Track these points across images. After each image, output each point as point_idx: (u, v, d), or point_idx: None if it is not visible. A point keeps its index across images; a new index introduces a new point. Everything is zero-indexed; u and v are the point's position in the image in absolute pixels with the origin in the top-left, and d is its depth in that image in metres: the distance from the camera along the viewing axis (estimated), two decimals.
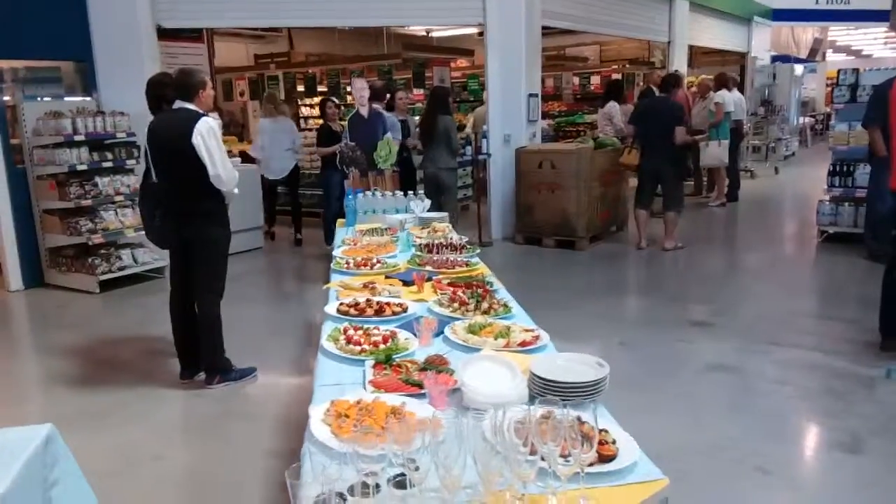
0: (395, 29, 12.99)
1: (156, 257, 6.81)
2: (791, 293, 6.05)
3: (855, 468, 3.21)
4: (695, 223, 9.01)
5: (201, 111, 3.91)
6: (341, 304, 2.75)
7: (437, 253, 3.60)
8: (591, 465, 1.50)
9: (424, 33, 14.21)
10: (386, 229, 4.32)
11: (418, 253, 3.64)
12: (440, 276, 3.19)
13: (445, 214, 4.80)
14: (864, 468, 3.20)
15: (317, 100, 14.24)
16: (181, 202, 3.94)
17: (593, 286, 6.48)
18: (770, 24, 16.64)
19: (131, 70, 6.70)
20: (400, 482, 1.40)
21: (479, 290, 2.80)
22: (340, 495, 1.35)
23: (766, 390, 4.06)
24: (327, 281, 3.30)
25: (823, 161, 7.94)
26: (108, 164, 6.65)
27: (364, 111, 6.44)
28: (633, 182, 8.98)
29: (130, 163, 6.83)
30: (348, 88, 12.06)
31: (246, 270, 7.25)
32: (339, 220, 4.94)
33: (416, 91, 12.66)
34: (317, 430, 1.70)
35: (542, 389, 1.85)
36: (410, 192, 4.85)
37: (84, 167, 6.47)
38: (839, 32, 22.20)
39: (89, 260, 6.50)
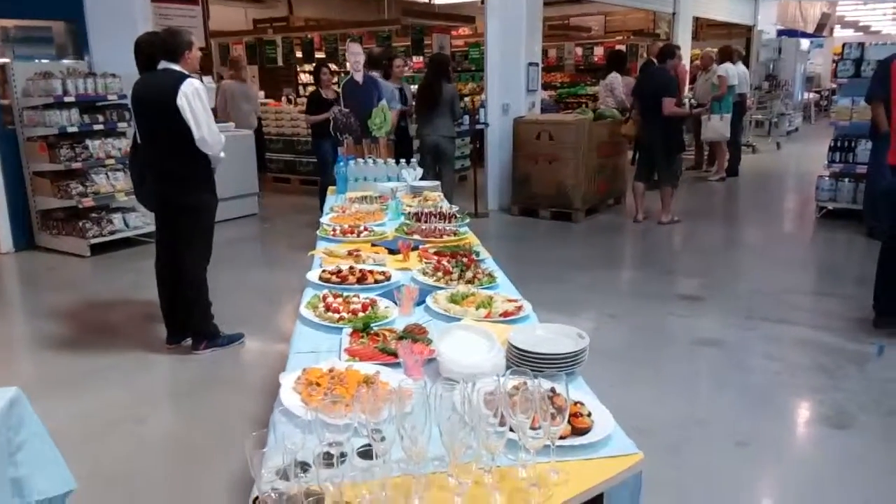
0: None
1: (147, 221, 6.74)
2: (786, 269, 6.01)
3: (841, 444, 3.19)
4: (693, 197, 8.95)
5: (186, 72, 3.82)
6: (323, 270, 2.71)
7: (426, 222, 3.55)
8: (563, 437, 1.47)
9: None
10: (377, 197, 4.25)
11: (407, 221, 3.58)
12: (427, 245, 3.14)
13: (437, 183, 4.73)
14: (851, 444, 3.18)
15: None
16: (166, 166, 3.87)
17: (587, 258, 6.44)
18: None
19: (123, 31, 6.52)
20: (366, 453, 1.37)
21: (464, 260, 2.75)
22: (303, 465, 1.32)
23: (754, 366, 4.03)
24: None
25: (826, 137, 7.83)
26: (100, 127, 6.56)
27: (358, 77, 6.31)
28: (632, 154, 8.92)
29: (122, 125, 6.74)
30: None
31: (238, 237, 7.21)
32: (330, 188, 4.87)
33: (415, 59, 12.48)
34: (286, 398, 1.66)
35: (520, 360, 1.81)
36: (403, 161, 4.77)
37: (75, 129, 6.38)
38: (847, 7, 21.82)
39: (80, 223, 6.44)
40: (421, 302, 2.37)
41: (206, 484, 2.91)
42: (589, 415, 1.57)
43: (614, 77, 9.95)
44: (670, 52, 7.51)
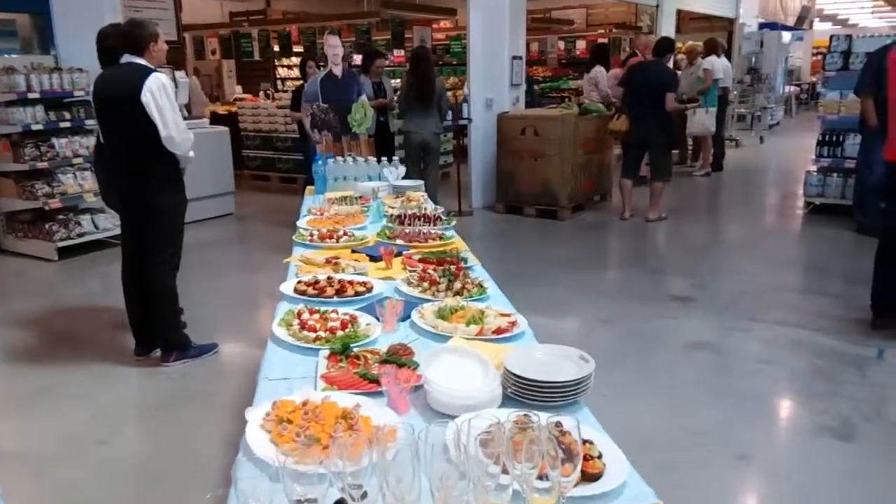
0: None
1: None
2: (777, 266, 5.88)
3: (845, 456, 3.05)
4: (679, 193, 8.80)
5: (152, 66, 3.58)
6: (299, 281, 2.49)
7: (410, 224, 3.35)
8: (573, 485, 1.28)
9: None
10: (357, 198, 4.04)
11: (389, 224, 3.38)
12: (411, 251, 2.94)
13: (421, 183, 4.53)
14: (855, 456, 3.04)
15: (295, 60, 13.73)
16: (131, 166, 3.62)
17: (574, 258, 6.27)
18: None
19: (91, 24, 6.13)
20: None
21: (452, 268, 2.55)
22: None
23: (749, 370, 3.89)
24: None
25: (809, 131, 7.76)
26: (66, 125, 6.27)
27: (337, 70, 6.07)
28: (618, 150, 8.75)
29: (90, 123, 6.43)
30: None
31: (214, 239, 6.97)
32: (308, 188, 4.65)
33: (395, 53, 12.22)
34: (253, 440, 1.46)
35: (518, 389, 1.62)
36: (384, 159, 4.56)
37: (40, 127, 6.08)
38: (826, 0, 21.91)
39: (46, 226, 6.15)
40: (406, 317, 2.18)
41: None
42: (599, 456, 1.38)
43: (598, 70, 9.76)
44: (669, 45, 7.31)
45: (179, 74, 7.72)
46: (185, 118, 7.55)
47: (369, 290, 2.44)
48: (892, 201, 4.25)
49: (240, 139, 10.04)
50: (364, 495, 1.16)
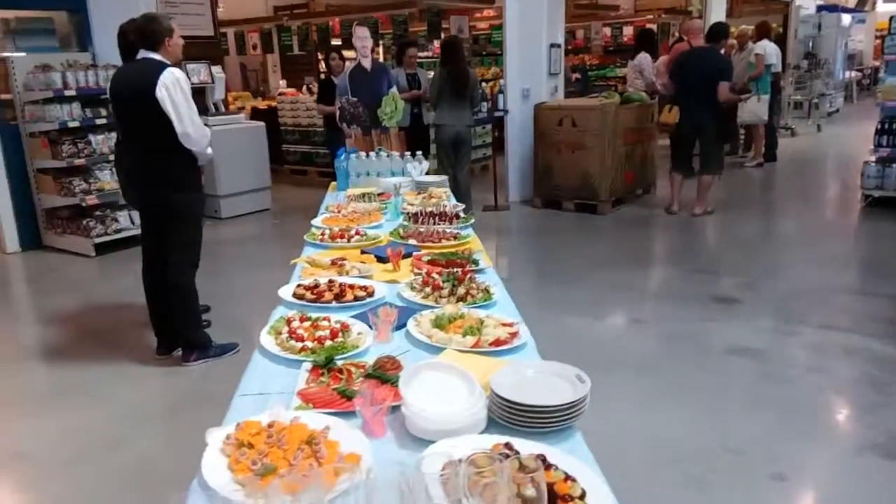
0: None
1: None
2: (829, 265, 5.53)
3: (891, 476, 2.79)
4: (728, 185, 8.42)
5: (167, 62, 3.52)
6: (298, 285, 2.38)
7: (425, 223, 3.21)
8: None
9: None
10: (379, 195, 3.92)
11: (404, 223, 3.25)
12: (422, 252, 2.80)
13: (444, 178, 4.37)
14: None
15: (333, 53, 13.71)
16: (147, 164, 3.58)
17: (612, 254, 6.03)
18: None
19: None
20: None
21: (458, 272, 2.40)
22: None
23: (793, 378, 3.62)
24: None
25: (870, 118, 7.28)
26: (102, 121, 6.33)
27: (366, 63, 5.97)
28: (662, 142, 8.42)
29: None
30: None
31: (246, 235, 6.98)
32: (332, 184, 4.56)
33: (436, 43, 12.05)
34: (208, 466, 1.34)
35: (503, 412, 1.47)
36: (408, 154, 4.43)
37: (76, 124, 6.16)
38: None
39: (84, 222, 6.24)
40: (402, 325, 2.04)
41: None
42: (582, 496, 1.22)
43: (643, 57, 9.41)
44: (723, 31, 6.88)
45: (216, 69, 7.75)
46: (221, 114, 7.70)
47: (370, 294, 2.31)
48: None
49: (279, 134, 10.06)
50: None
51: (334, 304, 2.25)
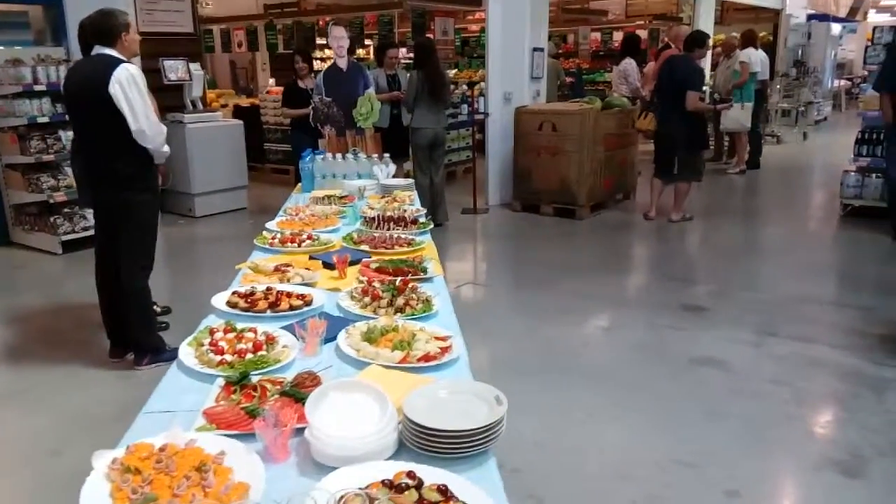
0: None
1: None
2: (803, 275, 5.47)
3: (850, 494, 2.73)
4: (710, 192, 8.38)
5: (122, 58, 3.43)
6: (234, 292, 2.30)
7: (381, 228, 3.13)
8: None
9: None
10: (342, 197, 3.84)
11: (361, 227, 3.17)
12: (372, 258, 2.72)
13: (411, 182, 4.30)
14: (861, 496, 2.72)
15: (320, 52, 13.59)
16: (100, 161, 3.49)
17: (587, 260, 5.97)
18: None
19: None
20: None
21: (398, 281, 2.32)
22: None
23: (756, 391, 3.56)
24: None
25: (856, 127, 7.23)
26: None
27: (342, 63, 5.90)
28: (643, 147, 8.38)
29: None
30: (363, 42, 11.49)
31: (218, 234, 6.88)
32: (297, 186, 4.48)
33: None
34: (88, 496, 1.26)
35: (414, 437, 1.40)
36: (374, 156, 4.35)
37: (46, 119, 6.04)
38: None
39: (52, 219, 6.13)
40: (333, 337, 1.97)
41: None
42: None
43: (628, 63, 9.37)
44: (699, 39, 6.82)
45: (194, 66, 7.64)
46: (198, 111, 7.59)
47: (308, 303, 2.23)
48: None
49: (262, 132, 9.95)
50: None
51: (268, 313, 2.17)
